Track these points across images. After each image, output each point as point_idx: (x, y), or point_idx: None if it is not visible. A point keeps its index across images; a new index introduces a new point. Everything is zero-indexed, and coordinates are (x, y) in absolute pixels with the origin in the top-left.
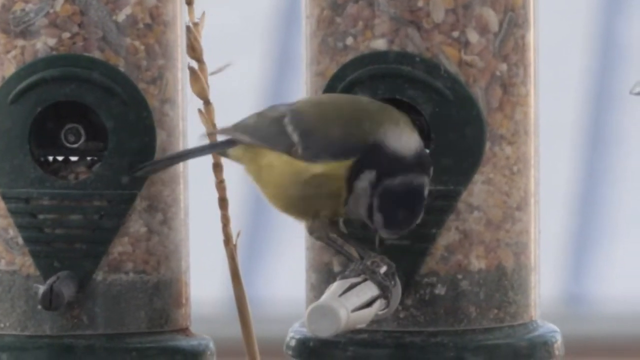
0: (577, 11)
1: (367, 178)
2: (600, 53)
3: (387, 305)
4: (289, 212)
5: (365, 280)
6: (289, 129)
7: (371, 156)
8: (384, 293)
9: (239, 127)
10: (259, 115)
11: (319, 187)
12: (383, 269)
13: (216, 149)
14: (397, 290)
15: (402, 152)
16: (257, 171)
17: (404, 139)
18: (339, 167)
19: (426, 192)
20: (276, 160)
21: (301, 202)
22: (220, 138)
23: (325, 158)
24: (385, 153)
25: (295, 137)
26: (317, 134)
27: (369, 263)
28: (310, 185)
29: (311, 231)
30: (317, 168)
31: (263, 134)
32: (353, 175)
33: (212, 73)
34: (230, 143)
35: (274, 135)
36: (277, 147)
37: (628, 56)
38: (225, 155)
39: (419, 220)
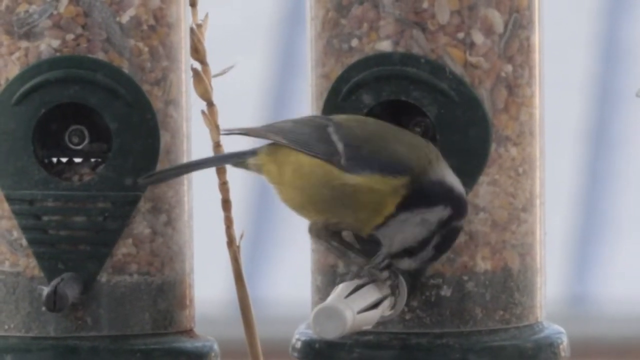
0: (582, 12)
1: (439, 213)
2: (605, 54)
3: (394, 305)
4: (305, 209)
5: (370, 281)
6: (334, 137)
7: (439, 190)
8: (391, 292)
9: (272, 128)
10: (295, 121)
11: (351, 197)
12: (386, 272)
13: (236, 158)
14: (403, 292)
15: (462, 193)
16: (279, 169)
17: (457, 179)
18: (383, 182)
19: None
20: (307, 162)
21: (324, 204)
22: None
23: (370, 171)
24: (454, 192)
25: (340, 147)
26: (363, 150)
27: (373, 265)
28: (341, 193)
29: (310, 230)
30: (355, 179)
31: (303, 138)
32: (410, 198)
33: (216, 75)
34: (251, 153)
35: (316, 141)
36: (317, 153)
37: (633, 58)
38: (244, 165)
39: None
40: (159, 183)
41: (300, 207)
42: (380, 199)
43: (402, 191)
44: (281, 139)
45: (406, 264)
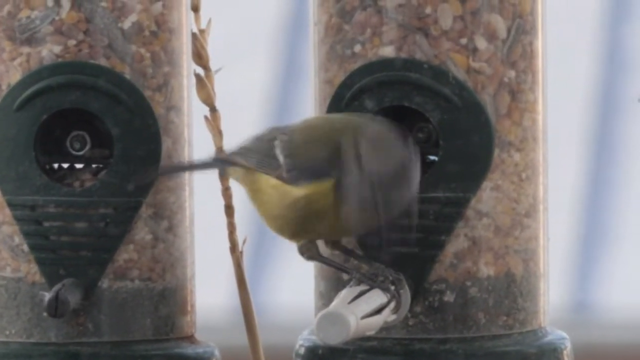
0: (585, 18)
1: (350, 167)
2: (608, 61)
3: (396, 311)
4: (282, 234)
5: (372, 287)
6: (277, 151)
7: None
8: (392, 299)
9: (240, 150)
10: (258, 138)
11: (307, 209)
12: (389, 277)
13: (213, 167)
14: (406, 297)
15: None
16: (251, 194)
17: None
18: (324, 187)
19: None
20: (265, 184)
21: (292, 224)
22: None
23: (307, 180)
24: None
25: (281, 159)
26: (299, 157)
27: (374, 271)
28: (297, 208)
29: (301, 252)
30: (300, 191)
31: (257, 157)
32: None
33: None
34: (228, 163)
35: (265, 157)
36: (267, 170)
37: (635, 63)
38: (226, 174)
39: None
40: (155, 177)
41: (278, 232)
42: (328, 200)
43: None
44: (243, 161)
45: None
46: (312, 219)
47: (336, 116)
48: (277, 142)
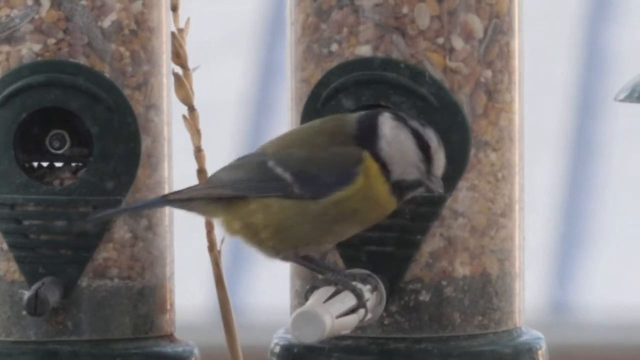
0: (562, 18)
1: (387, 123)
2: (586, 61)
3: (365, 314)
4: (298, 247)
5: (346, 287)
6: (279, 170)
7: (370, 122)
8: (360, 301)
9: (213, 182)
10: (231, 168)
11: (337, 214)
12: (358, 279)
13: (178, 203)
14: (381, 297)
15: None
16: (244, 223)
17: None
18: (352, 191)
19: None
20: (273, 203)
21: (323, 235)
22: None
23: (328, 191)
24: (371, 113)
25: (288, 178)
26: (309, 172)
27: (344, 272)
28: (326, 215)
29: (277, 252)
30: (323, 203)
31: (248, 184)
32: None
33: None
34: (187, 199)
35: (263, 180)
36: (270, 192)
37: (612, 64)
38: (193, 209)
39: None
40: (101, 222)
41: (291, 247)
42: (367, 196)
43: (371, 168)
44: (229, 192)
45: (437, 184)
46: (339, 222)
47: (315, 124)
48: (271, 163)
